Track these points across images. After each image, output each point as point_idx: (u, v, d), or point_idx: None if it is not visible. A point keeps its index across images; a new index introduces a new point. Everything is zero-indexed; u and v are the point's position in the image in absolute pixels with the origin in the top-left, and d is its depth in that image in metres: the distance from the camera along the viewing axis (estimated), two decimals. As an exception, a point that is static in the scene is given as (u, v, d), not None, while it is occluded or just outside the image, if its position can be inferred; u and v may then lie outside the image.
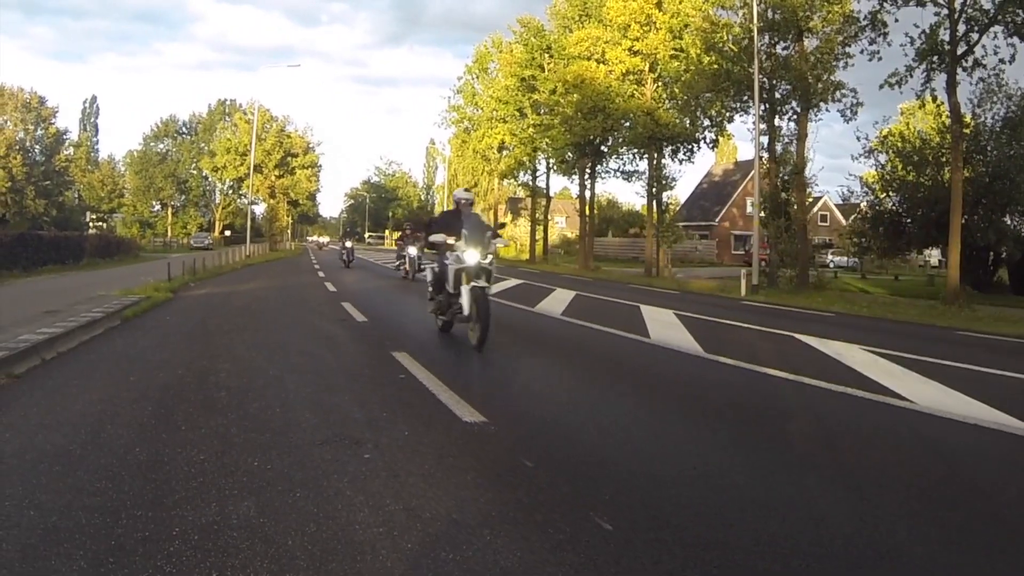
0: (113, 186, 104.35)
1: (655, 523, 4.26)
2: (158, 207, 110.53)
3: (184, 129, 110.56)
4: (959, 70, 25.01)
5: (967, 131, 28.67)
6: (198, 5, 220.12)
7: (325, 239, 70.12)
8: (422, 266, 21.02)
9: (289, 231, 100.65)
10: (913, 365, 10.51)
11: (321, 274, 32.25)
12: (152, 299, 17.07)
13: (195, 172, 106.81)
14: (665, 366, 10.40)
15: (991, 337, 16.33)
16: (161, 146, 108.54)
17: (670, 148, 42.64)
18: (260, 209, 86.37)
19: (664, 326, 14.70)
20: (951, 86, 25.08)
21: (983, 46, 24.84)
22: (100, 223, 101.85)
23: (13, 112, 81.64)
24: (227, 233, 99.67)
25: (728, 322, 16.37)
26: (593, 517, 4.30)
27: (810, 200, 34.78)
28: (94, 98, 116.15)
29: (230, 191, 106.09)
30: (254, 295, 20.98)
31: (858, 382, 8.95)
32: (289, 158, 76.96)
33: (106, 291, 18.33)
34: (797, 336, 13.71)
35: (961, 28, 24.62)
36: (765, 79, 30.80)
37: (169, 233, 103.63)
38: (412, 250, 26.18)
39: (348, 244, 40.80)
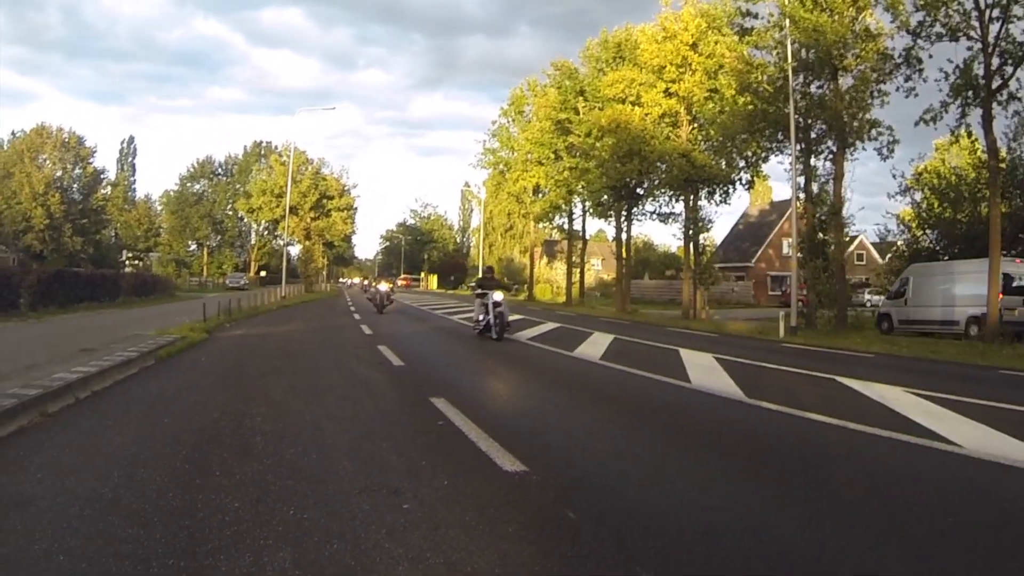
0: (150, 225, 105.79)
1: (705, 580, 4.08)
2: (194, 247, 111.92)
3: (220, 170, 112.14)
4: (994, 104, 24.84)
5: (1003, 165, 28.33)
6: (238, 49, 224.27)
7: (385, 287, 38.42)
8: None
9: (325, 272, 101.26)
10: (957, 407, 10.29)
11: (357, 316, 32.20)
12: (187, 339, 17.14)
13: (231, 213, 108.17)
14: (707, 412, 10.18)
15: (1034, 376, 16.04)
16: (197, 187, 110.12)
17: (706, 190, 42.53)
18: (295, 250, 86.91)
19: (704, 370, 14.48)
20: (987, 121, 24.91)
21: (1018, 79, 24.72)
22: (136, 262, 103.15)
23: (52, 151, 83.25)
24: (262, 273, 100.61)
25: (768, 365, 16.10)
26: (640, 573, 4.14)
27: (846, 239, 34.37)
28: (131, 138, 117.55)
29: (265, 232, 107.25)
30: (290, 337, 21.00)
31: (903, 426, 8.73)
32: (324, 200, 77.37)
33: (141, 330, 18.43)
34: (838, 379, 13.43)
35: (995, 62, 24.53)
36: (800, 119, 30.60)
37: (205, 273, 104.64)
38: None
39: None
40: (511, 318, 22.45)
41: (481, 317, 20.90)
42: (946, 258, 33.49)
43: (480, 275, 26.38)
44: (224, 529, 4.67)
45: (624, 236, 50.83)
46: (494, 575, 4.07)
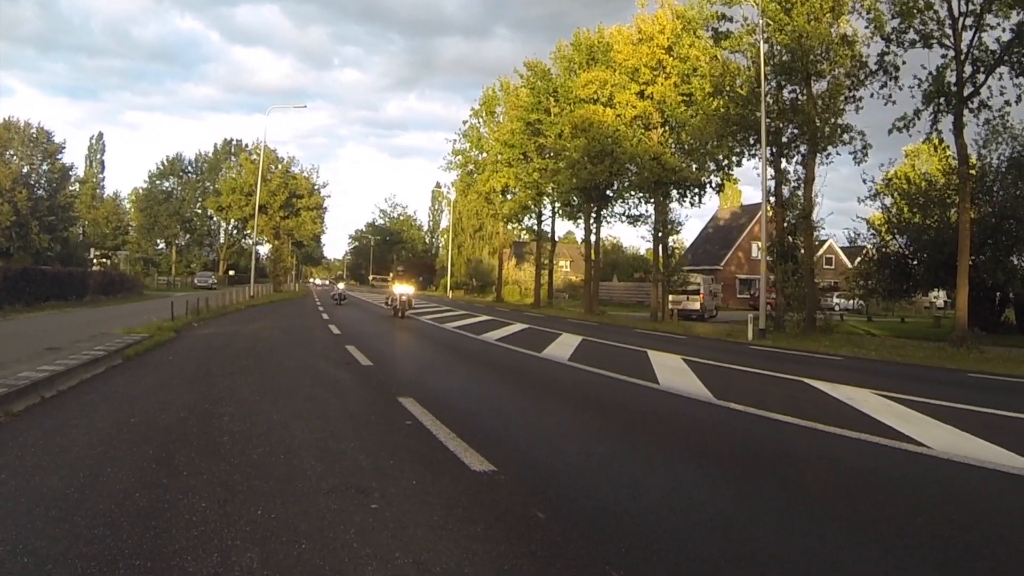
0: (118, 223, 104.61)
1: (674, 579, 4.09)
2: (162, 245, 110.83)
3: (190, 168, 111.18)
4: (966, 111, 25.11)
5: (973, 172, 28.63)
6: (213, 46, 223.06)
7: (408, 289, 32.90)
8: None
9: (293, 272, 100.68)
10: (925, 409, 10.41)
11: (325, 316, 32.13)
12: (155, 338, 17.00)
13: (200, 211, 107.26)
14: (676, 413, 10.21)
15: (1001, 378, 16.36)
16: (166, 184, 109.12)
17: (676, 192, 42.68)
18: (264, 250, 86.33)
19: (673, 372, 14.53)
20: (958, 128, 25.21)
21: (989, 87, 25.08)
22: (104, 260, 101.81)
23: (19, 146, 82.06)
24: (231, 273, 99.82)
25: (737, 367, 16.20)
26: (610, 572, 4.15)
27: (816, 243, 34.61)
28: (100, 135, 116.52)
29: (235, 231, 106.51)
30: (258, 336, 20.85)
31: (872, 428, 8.82)
32: (294, 199, 76.85)
33: (108, 329, 18.25)
34: (807, 381, 13.55)
35: (967, 69, 24.82)
36: (772, 122, 30.75)
37: (173, 272, 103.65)
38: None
39: None
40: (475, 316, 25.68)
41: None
42: (915, 263, 34.21)
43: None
44: (191, 529, 4.63)
45: (593, 238, 51.07)
46: (463, 575, 4.05)
